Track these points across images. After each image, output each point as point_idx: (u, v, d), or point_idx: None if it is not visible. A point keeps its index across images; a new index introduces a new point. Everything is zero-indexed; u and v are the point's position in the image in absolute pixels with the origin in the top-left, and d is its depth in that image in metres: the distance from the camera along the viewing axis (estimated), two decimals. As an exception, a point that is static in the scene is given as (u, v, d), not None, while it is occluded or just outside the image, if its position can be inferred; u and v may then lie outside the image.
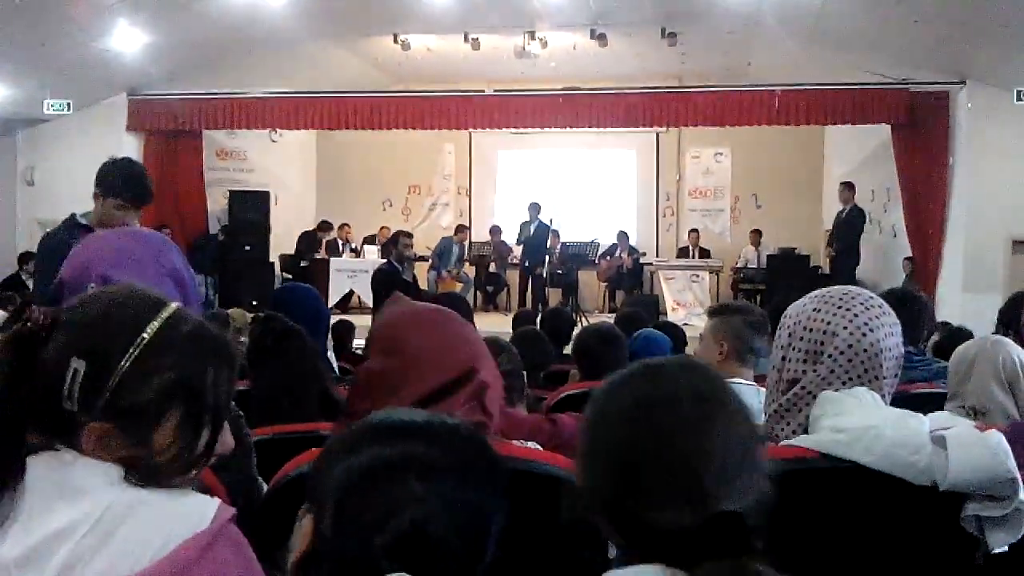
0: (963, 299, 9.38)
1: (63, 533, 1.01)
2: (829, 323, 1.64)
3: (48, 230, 3.63)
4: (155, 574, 0.99)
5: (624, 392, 1.09)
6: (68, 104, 10.82)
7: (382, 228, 13.64)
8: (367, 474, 1.00)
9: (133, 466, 1.08)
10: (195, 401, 1.11)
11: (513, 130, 12.60)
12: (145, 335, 1.09)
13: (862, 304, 1.66)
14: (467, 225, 13.88)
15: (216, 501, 1.08)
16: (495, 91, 11.70)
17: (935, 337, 4.45)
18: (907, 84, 10.16)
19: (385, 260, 9.06)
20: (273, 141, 13.16)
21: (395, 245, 8.79)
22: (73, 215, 3.46)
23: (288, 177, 13.89)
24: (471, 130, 13.32)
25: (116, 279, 1.51)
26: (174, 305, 1.17)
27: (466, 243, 13.41)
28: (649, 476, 1.01)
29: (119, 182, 3.32)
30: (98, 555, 1.00)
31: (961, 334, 4.09)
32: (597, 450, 1.04)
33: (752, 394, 2.59)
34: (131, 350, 1.08)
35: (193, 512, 1.05)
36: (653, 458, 1.01)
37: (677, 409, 1.03)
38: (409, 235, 9.01)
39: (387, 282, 8.14)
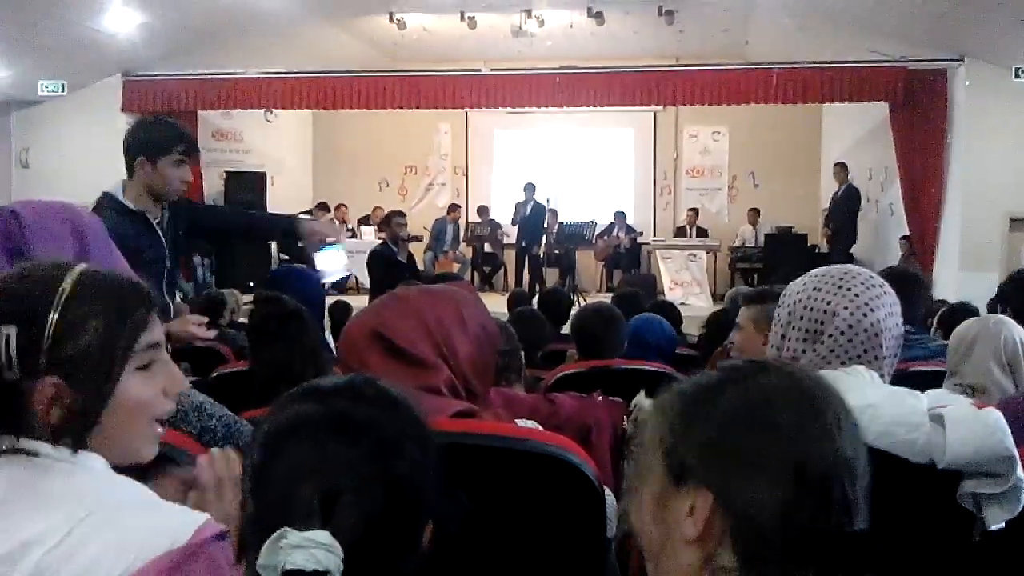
0: (960, 277, 9.38)
1: (35, 541, 1.00)
2: (829, 303, 1.64)
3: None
4: None
5: (783, 396, 0.96)
6: (63, 85, 10.76)
7: (375, 208, 13.61)
8: (282, 433, 0.96)
9: (85, 427, 1.10)
10: (124, 341, 1.14)
11: (510, 109, 12.55)
12: (64, 289, 1.12)
13: (862, 283, 1.66)
14: (460, 204, 13.85)
15: (202, 517, 1.07)
16: (491, 70, 11.65)
17: (937, 315, 4.45)
18: (905, 62, 10.12)
19: (381, 241, 9.02)
20: (268, 121, 13.11)
21: (388, 225, 8.76)
22: (107, 194, 3.03)
23: (284, 158, 13.84)
24: (467, 110, 13.26)
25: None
26: (84, 265, 1.19)
27: (461, 222, 13.39)
28: (824, 484, 0.92)
29: (168, 134, 3.01)
30: (67, 566, 0.99)
31: (966, 310, 4.10)
32: (763, 459, 0.91)
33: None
34: (56, 299, 1.10)
35: (171, 527, 1.04)
36: (825, 464, 0.92)
37: (839, 417, 0.96)
38: (402, 215, 8.97)
39: (382, 264, 8.14)
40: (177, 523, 1.05)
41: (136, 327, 1.15)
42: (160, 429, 1.22)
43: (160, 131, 3.03)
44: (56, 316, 1.09)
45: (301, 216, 3.28)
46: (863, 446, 0.96)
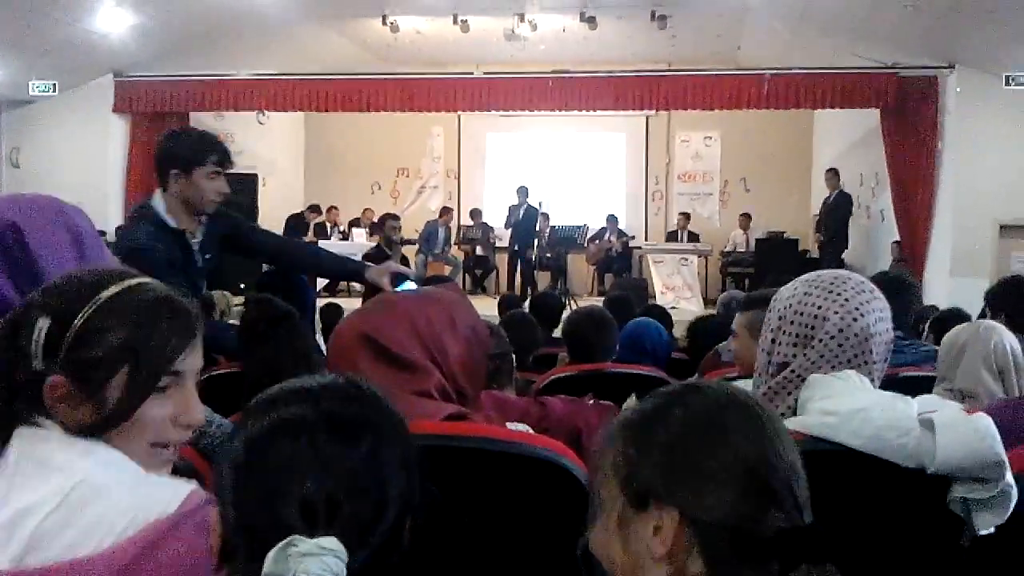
0: (950, 284, 9.42)
1: (31, 509, 1.04)
2: (820, 307, 1.65)
3: (123, 229, 3.13)
4: (117, 554, 1.01)
5: (724, 410, 1.03)
6: (54, 85, 10.73)
7: (365, 210, 13.59)
8: (273, 434, 0.94)
9: (92, 427, 1.13)
10: (141, 361, 1.15)
11: (502, 113, 12.55)
12: (101, 296, 1.16)
13: (853, 288, 1.66)
14: (452, 208, 13.84)
15: (190, 485, 1.10)
16: (484, 74, 11.65)
17: (928, 320, 4.47)
18: (896, 69, 10.16)
19: (375, 245, 9.01)
20: (260, 123, 13.08)
21: (382, 229, 8.75)
22: (146, 206, 2.96)
23: (276, 160, 13.82)
24: (460, 113, 13.27)
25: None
26: (143, 279, 1.23)
27: (452, 226, 13.38)
28: (776, 484, 0.99)
29: (201, 146, 2.94)
30: (62, 533, 1.03)
31: (957, 316, 4.11)
32: (720, 469, 0.98)
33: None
34: (87, 308, 1.14)
35: (162, 496, 1.07)
36: (774, 466, 1.00)
37: (776, 424, 1.04)
38: (396, 218, 8.97)
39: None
40: (167, 492, 1.08)
41: (160, 350, 1.17)
42: (168, 453, 1.22)
43: (193, 142, 2.97)
44: (82, 319, 1.14)
45: (367, 264, 3.24)
46: (797, 451, 1.03)
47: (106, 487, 1.07)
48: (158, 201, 2.95)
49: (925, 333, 4.31)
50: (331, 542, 0.85)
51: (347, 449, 0.93)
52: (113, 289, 1.17)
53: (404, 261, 8.96)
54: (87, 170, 11.08)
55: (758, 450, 0.99)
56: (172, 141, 3.01)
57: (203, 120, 12.46)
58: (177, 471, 1.23)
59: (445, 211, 13.39)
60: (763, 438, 1.00)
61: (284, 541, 0.85)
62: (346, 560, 0.86)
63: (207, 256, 3.11)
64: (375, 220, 12.54)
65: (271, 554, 0.85)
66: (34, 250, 1.49)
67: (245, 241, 3.29)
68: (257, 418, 0.96)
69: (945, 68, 9.94)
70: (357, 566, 0.87)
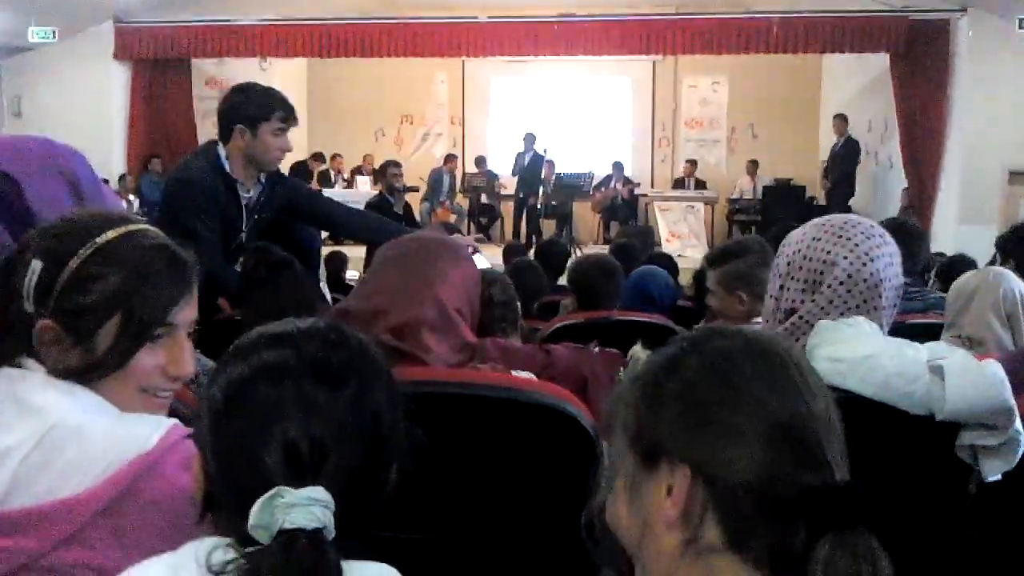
0: (958, 231, 9.36)
1: (10, 451, 1.04)
2: (829, 252, 1.62)
3: (185, 165, 3.06)
4: (97, 493, 1.01)
5: (745, 356, 0.92)
6: (53, 32, 10.61)
7: (366, 157, 13.52)
8: (253, 380, 0.90)
9: (79, 372, 1.13)
10: (134, 310, 1.14)
11: (507, 58, 12.40)
12: (97, 241, 1.14)
13: (863, 233, 1.63)
14: (456, 155, 13.74)
15: (169, 423, 1.10)
16: (489, 18, 11.48)
17: (935, 268, 4.45)
18: (907, 11, 9.99)
19: (378, 192, 8.94)
20: (263, 70, 12.94)
21: (384, 176, 8.69)
22: (209, 147, 2.97)
23: (279, 107, 13.68)
24: (464, 58, 13.11)
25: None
26: (143, 225, 1.20)
27: (457, 173, 13.30)
28: (805, 438, 0.88)
29: (267, 101, 2.91)
30: (42, 474, 1.03)
31: (964, 263, 4.08)
32: (740, 421, 0.87)
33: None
34: (82, 252, 1.12)
35: (140, 432, 1.07)
36: (802, 417, 0.89)
37: (803, 371, 0.92)
38: (398, 164, 8.89)
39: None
40: (145, 428, 1.08)
41: (155, 300, 1.15)
42: (162, 399, 1.21)
43: (259, 97, 2.93)
44: (75, 265, 1.12)
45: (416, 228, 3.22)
46: (831, 398, 0.92)
47: (83, 428, 1.06)
48: (221, 147, 2.95)
49: (932, 281, 4.29)
50: (318, 492, 0.83)
51: (332, 394, 0.89)
52: (110, 234, 1.15)
53: (407, 209, 8.90)
54: (89, 118, 11.00)
55: (782, 400, 0.89)
56: (239, 95, 2.97)
57: (204, 67, 12.35)
58: (181, 418, 1.22)
59: (450, 158, 13.29)
60: (788, 386, 0.90)
61: (270, 492, 0.83)
62: (333, 509, 0.84)
63: (257, 216, 3.08)
64: (375, 167, 12.46)
65: (256, 505, 0.82)
66: (29, 199, 1.47)
67: (307, 207, 3.28)
68: (236, 363, 0.92)
69: (957, 11, 9.77)
70: (343, 514, 0.85)
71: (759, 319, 2.53)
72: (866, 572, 0.80)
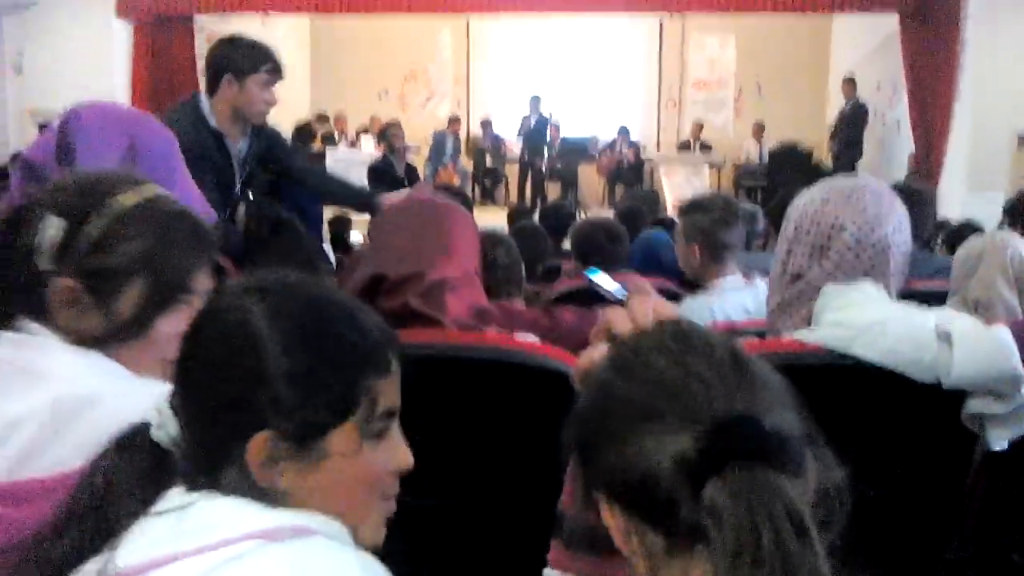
0: (966, 197, 9.28)
1: (21, 421, 1.01)
2: (837, 216, 1.60)
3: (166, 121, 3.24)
4: None
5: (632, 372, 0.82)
6: (54, -13, 10.50)
7: (373, 118, 13.44)
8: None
9: (98, 337, 1.10)
10: (159, 275, 1.12)
11: (512, 15, 12.26)
12: (121, 203, 1.11)
13: (872, 197, 1.61)
14: (459, 117, 13.61)
15: None
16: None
17: (941, 233, 4.42)
18: (918, -28, 9.85)
19: (381, 155, 8.86)
20: (264, 26, 12.83)
21: (385, 138, 8.62)
22: (189, 101, 2.95)
23: (281, 65, 13.56)
24: (469, 16, 12.97)
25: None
26: (159, 190, 1.18)
27: (461, 134, 13.21)
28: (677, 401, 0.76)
29: (255, 53, 2.94)
30: (52, 446, 1.01)
31: (971, 228, 4.06)
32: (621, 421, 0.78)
33: (744, 293, 2.58)
34: (107, 210, 1.10)
35: (159, 392, 1.04)
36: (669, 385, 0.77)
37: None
38: (398, 125, 8.83)
39: (383, 181, 8.01)
40: (157, 395, 1.05)
41: (178, 266, 1.14)
42: None
43: (248, 49, 2.96)
44: (103, 225, 1.10)
45: (378, 193, 3.24)
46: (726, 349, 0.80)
47: (96, 396, 1.04)
48: (204, 101, 2.93)
49: (939, 246, 4.26)
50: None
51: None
52: (133, 197, 1.13)
53: (412, 170, 8.83)
54: (90, 77, 10.90)
55: (652, 385, 0.78)
56: (227, 47, 2.99)
57: (207, 23, 12.23)
58: None
59: (454, 120, 13.19)
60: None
61: None
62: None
63: (248, 169, 3.10)
64: (378, 131, 12.39)
65: None
66: (80, 138, 1.44)
67: (283, 161, 3.32)
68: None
69: (969, -28, 9.62)
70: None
71: (731, 277, 2.59)
72: (761, 515, 0.68)
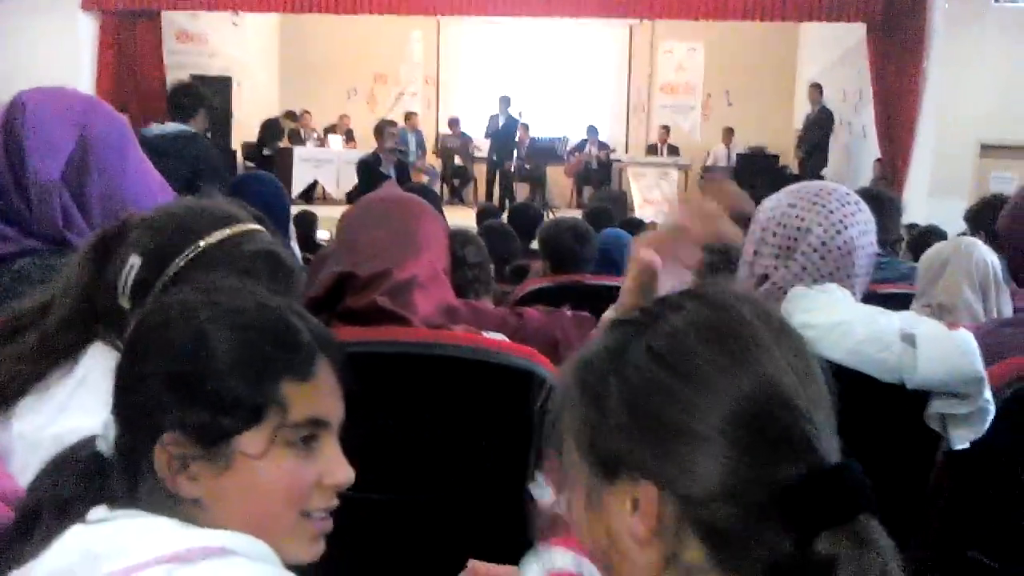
0: (929, 203, 9.42)
1: (79, 431, 0.96)
2: (803, 219, 1.61)
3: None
4: None
5: (701, 340, 0.77)
6: (19, -20, 10.34)
7: (342, 116, 13.36)
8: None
9: None
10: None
11: (484, 19, 12.25)
12: (202, 243, 1.10)
13: (838, 200, 1.62)
14: (416, 111, 13.47)
15: None
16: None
17: (905, 238, 4.48)
18: (884, -18, 9.97)
19: (374, 152, 8.76)
20: (235, 24, 12.72)
21: (381, 136, 8.53)
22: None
23: (251, 63, 13.46)
24: (440, 17, 12.94)
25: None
26: (251, 226, 1.16)
27: (425, 132, 13.12)
28: (785, 423, 0.74)
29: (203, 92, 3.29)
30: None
31: (935, 234, 4.12)
32: (703, 421, 0.73)
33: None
34: (187, 252, 1.09)
35: None
36: (778, 401, 0.74)
37: (767, 342, 0.77)
38: (394, 124, 8.83)
39: (369, 176, 7.93)
40: None
41: None
42: None
43: (195, 88, 3.52)
44: (176, 268, 1.09)
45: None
46: (811, 365, 0.78)
47: None
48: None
49: (902, 251, 4.32)
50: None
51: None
52: (215, 237, 1.11)
53: (401, 166, 8.74)
54: (55, 70, 10.74)
55: (739, 384, 0.73)
56: (182, 87, 3.71)
57: (176, 20, 12.10)
58: None
59: (409, 115, 12.95)
60: (746, 366, 0.74)
61: None
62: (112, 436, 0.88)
63: None
64: (375, 127, 12.27)
65: None
66: (27, 135, 1.41)
67: None
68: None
69: (934, -18, 9.76)
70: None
71: None
72: (876, 566, 0.69)
